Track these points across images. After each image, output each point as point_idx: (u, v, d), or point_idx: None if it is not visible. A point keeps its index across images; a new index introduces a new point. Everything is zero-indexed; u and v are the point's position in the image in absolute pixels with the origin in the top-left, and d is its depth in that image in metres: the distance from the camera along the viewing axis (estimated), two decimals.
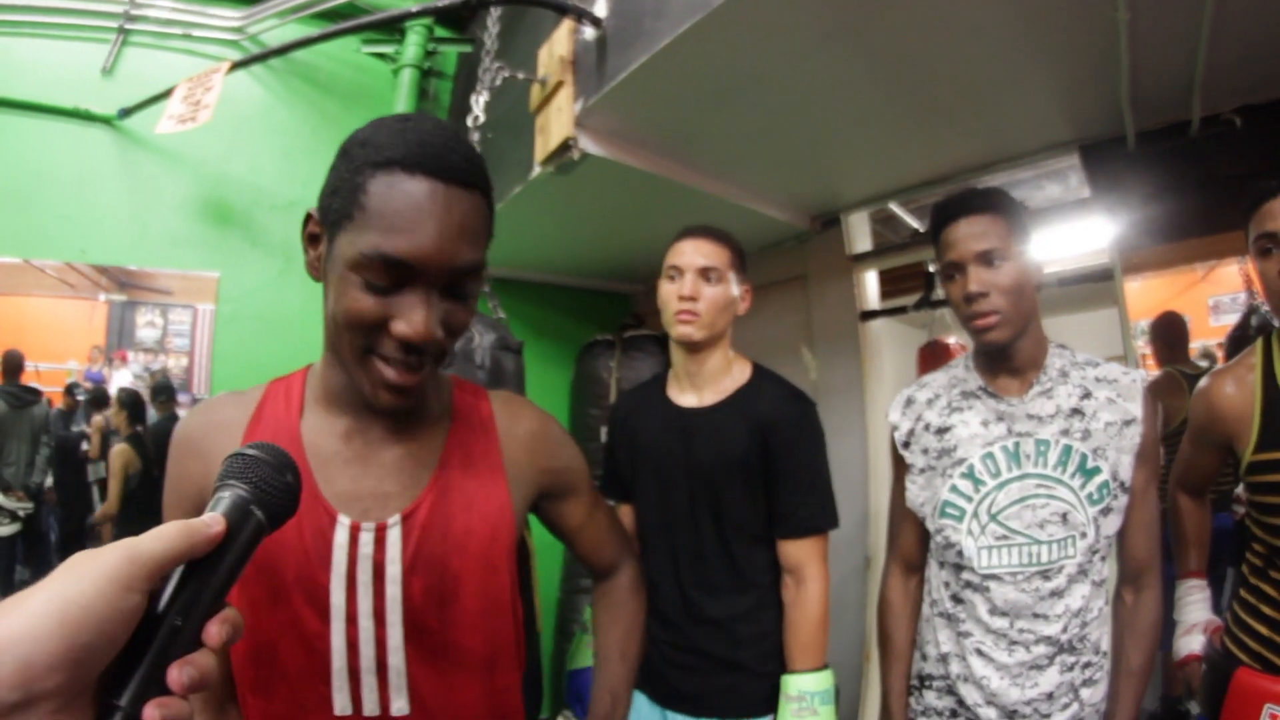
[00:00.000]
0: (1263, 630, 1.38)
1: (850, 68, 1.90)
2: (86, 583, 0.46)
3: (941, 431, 1.53)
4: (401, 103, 3.04)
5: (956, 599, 1.51)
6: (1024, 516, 1.42)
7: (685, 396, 1.77)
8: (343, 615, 0.94)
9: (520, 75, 2.07)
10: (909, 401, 1.63)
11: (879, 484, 3.03)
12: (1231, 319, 4.32)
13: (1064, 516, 1.40)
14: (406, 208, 0.82)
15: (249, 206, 2.87)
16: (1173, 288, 4.58)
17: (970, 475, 1.47)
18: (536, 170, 2.08)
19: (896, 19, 1.70)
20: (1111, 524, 1.41)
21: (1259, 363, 1.48)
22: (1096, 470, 1.40)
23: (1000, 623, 1.43)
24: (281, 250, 2.91)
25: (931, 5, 1.65)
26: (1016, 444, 1.44)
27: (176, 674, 0.49)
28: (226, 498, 0.56)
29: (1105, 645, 1.47)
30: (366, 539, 0.95)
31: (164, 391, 2.96)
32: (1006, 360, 1.47)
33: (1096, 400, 1.42)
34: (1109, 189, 2.55)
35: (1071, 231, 2.71)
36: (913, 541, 1.64)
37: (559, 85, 2.00)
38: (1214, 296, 4.95)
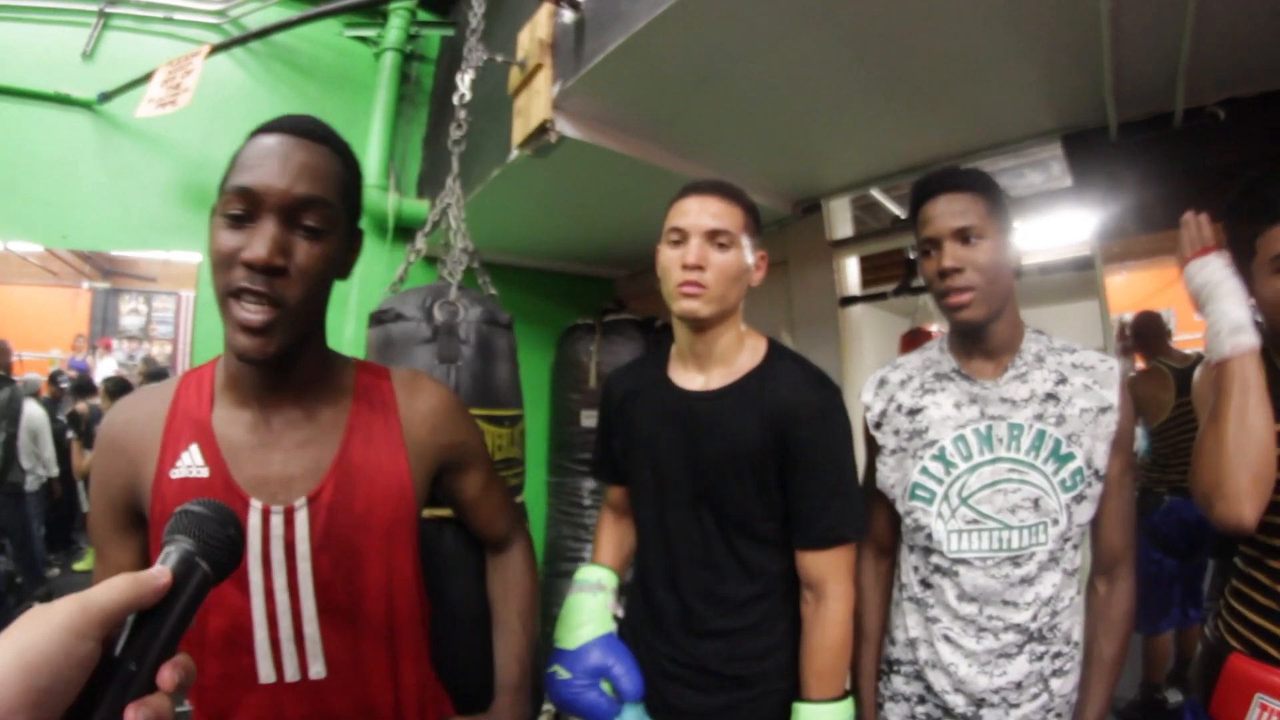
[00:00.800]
0: (1256, 619, 1.35)
1: (831, 52, 1.88)
2: (43, 629, 0.49)
3: (913, 413, 1.52)
4: (384, 86, 3.03)
5: (925, 584, 1.49)
6: (995, 501, 1.40)
7: (689, 378, 1.54)
8: (261, 590, 1.02)
9: (499, 58, 2.06)
10: (882, 382, 1.61)
11: (858, 470, 3.02)
12: None
13: (1036, 502, 1.38)
14: (255, 152, 0.98)
15: None
16: (1159, 280, 4.61)
17: (941, 457, 1.45)
18: (514, 153, 2.06)
19: (875, 3, 1.68)
20: (1084, 512, 1.40)
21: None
22: (1070, 456, 1.38)
23: (969, 609, 1.42)
24: None
25: None
26: (989, 427, 1.42)
27: (133, 715, 0.53)
28: (174, 552, 0.61)
29: (1077, 635, 1.46)
30: (277, 521, 1.03)
31: (159, 378, 2.92)
32: (981, 342, 1.45)
33: (1072, 386, 1.41)
34: (1091, 179, 2.55)
35: (1053, 221, 2.72)
36: (884, 524, 1.61)
37: (538, 68, 1.98)
38: None
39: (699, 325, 1.47)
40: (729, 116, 2.21)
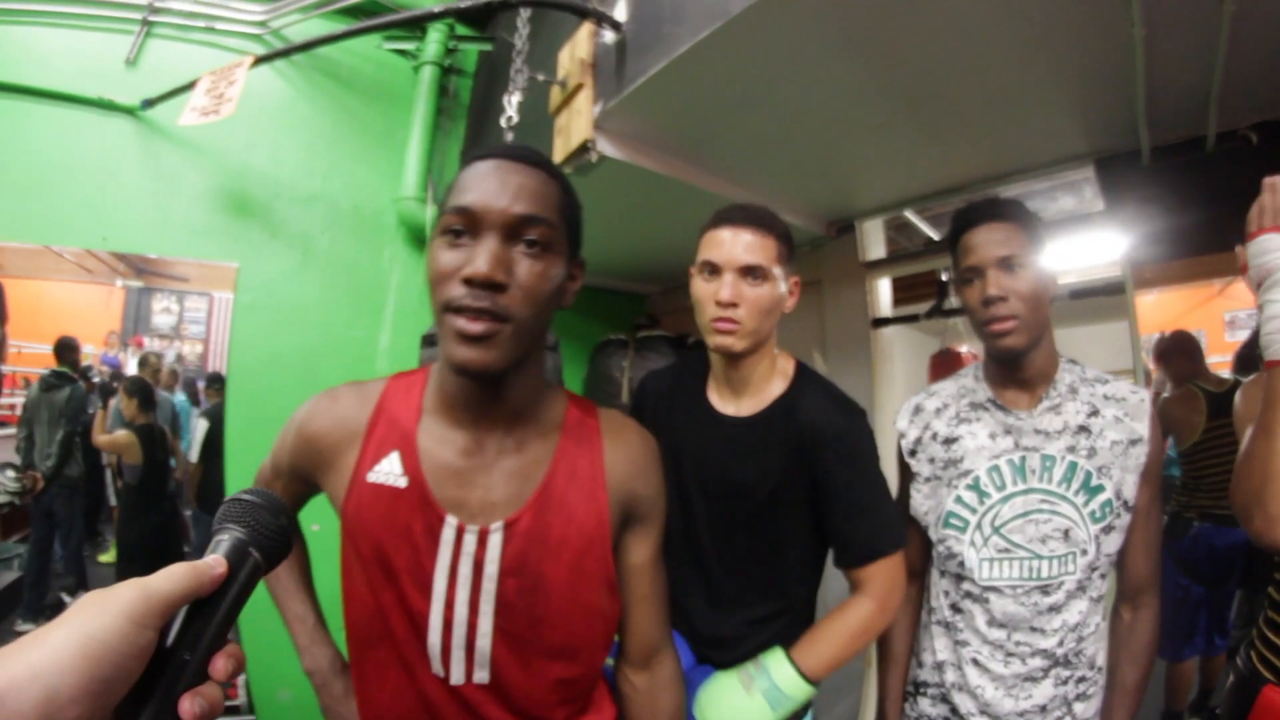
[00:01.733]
0: None
1: (866, 77, 1.91)
2: (105, 619, 0.50)
3: (949, 442, 1.54)
4: (422, 99, 3.08)
5: (955, 608, 1.52)
6: (1026, 531, 1.43)
7: (725, 402, 1.57)
8: (442, 599, 1.06)
9: (541, 77, 2.10)
10: (917, 410, 1.63)
11: (889, 485, 3.03)
12: (1248, 333, 4.32)
13: (1066, 533, 1.41)
14: (474, 174, 1.00)
15: (269, 199, 2.91)
16: (1189, 301, 4.61)
17: (975, 487, 1.48)
18: None
19: (912, 30, 1.70)
20: (1113, 542, 1.42)
21: None
22: (1100, 488, 1.40)
23: (997, 634, 1.45)
24: (300, 242, 2.94)
25: (946, 17, 1.66)
26: (1023, 458, 1.44)
27: (189, 705, 0.54)
28: (226, 540, 0.62)
29: (1101, 661, 1.48)
30: (470, 539, 1.06)
31: (217, 380, 2.98)
32: (1017, 372, 1.47)
33: (1104, 418, 1.43)
34: (1123, 202, 2.55)
35: (1085, 244, 2.72)
36: (914, 548, 1.63)
37: (579, 87, 2.02)
38: (1230, 312, 4.94)
39: (734, 357, 1.49)
40: (766, 139, 2.24)
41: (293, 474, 1.19)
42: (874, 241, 3.34)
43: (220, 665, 0.57)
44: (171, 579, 0.54)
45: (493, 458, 1.10)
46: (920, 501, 1.58)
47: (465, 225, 0.98)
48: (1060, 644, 1.42)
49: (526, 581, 1.08)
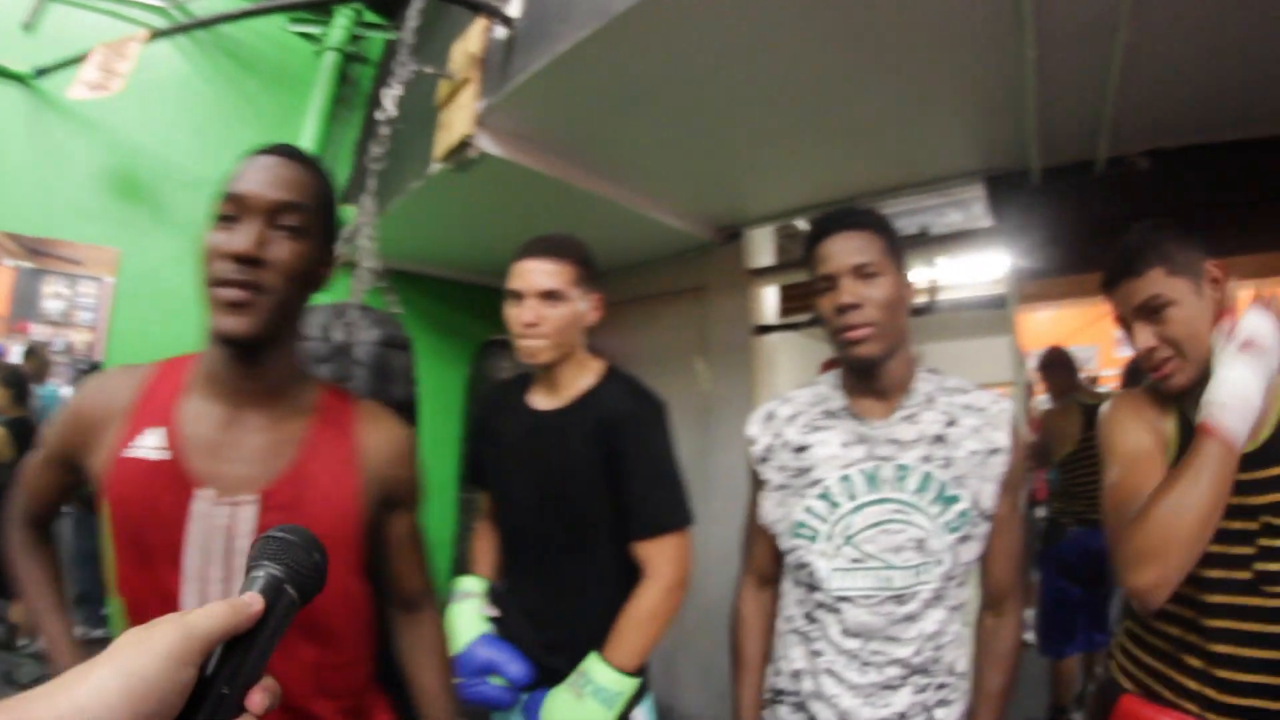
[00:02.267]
0: (1147, 659, 1.36)
1: (756, 84, 1.86)
2: (148, 658, 0.49)
3: (800, 450, 1.47)
4: (321, 85, 2.90)
5: (809, 617, 1.46)
6: (879, 541, 1.37)
7: (542, 400, 1.73)
8: (196, 576, 1.05)
9: (430, 70, 1.97)
10: (769, 416, 1.56)
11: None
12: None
13: (920, 543, 1.36)
14: (245, 167, 1.07)
15: (157, 181, 2.70)
16: (1083, 318, 4.71)
17: (826, 496, 1.41)
18: (434, 167, 1.98)
19: (803, 39, 1.66)
20: (970, 551, 1.38)
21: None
22: (955, 499, 1.36)
23: (852, 643, 1.39)
24: (187, 229, 2.73)
25: (838, 27, 1.62)
26: (876, 467, 1.39)
27: None
28: (261, 577, 0.61)
29: (961, 666, 1.44)
30: (221, 511, 1.05)
31: (95, 371, 2.78)
32: (873, 381, 1.42)
33: (961, 428, 1.39)
34: (1011, 220, 2.56)
35: (971, 259, 2.72)
36: (766, 556, 1.57)
37: (465, 82, 1.91)
38: (1119, 330, 5.06)
39: (542, 366, 1.66)
40: (655, 141, 2.17)
41: (61, 459, 1.17)
42: (761, 249, 3.32)
43: (257, 699, 0.57)
44: (211, 617, 0.54)
45: (248, 433, 1.11)
46: (770, 510, 1.51)
47: (235, 210, 1.03)
48: (917, 653, 1.37)
49: None
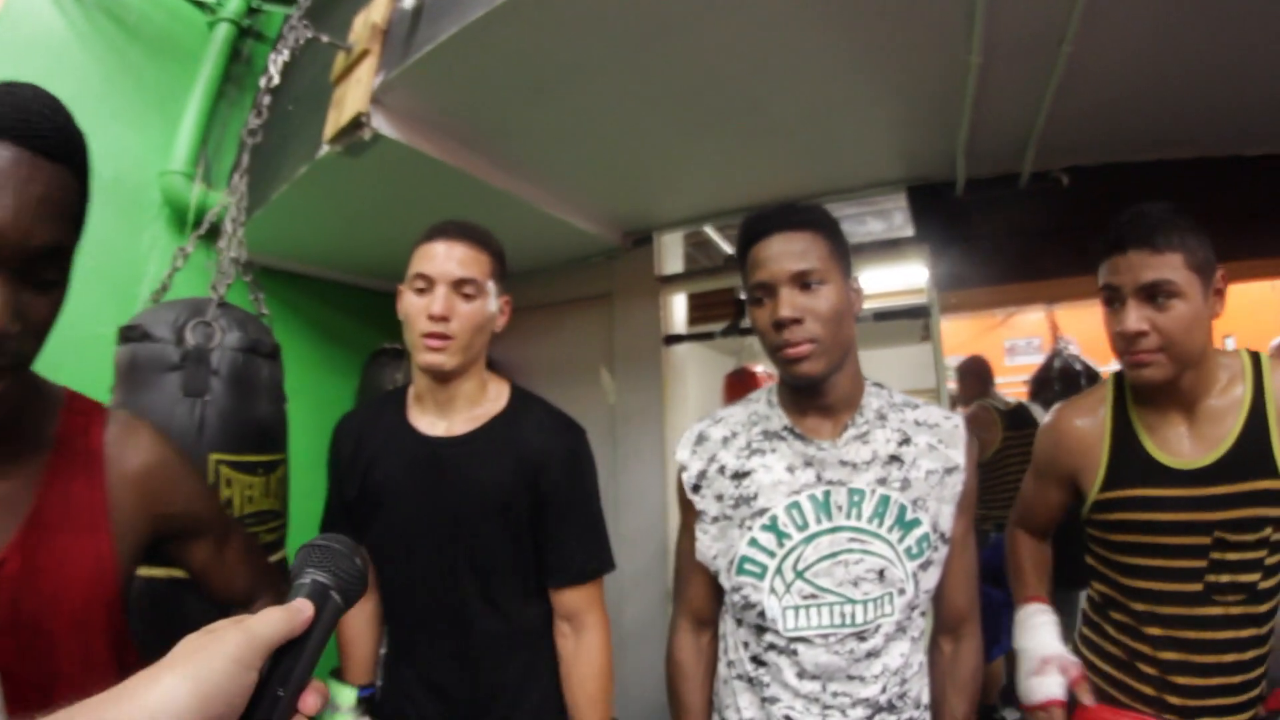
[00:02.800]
0: (1105, 667, 1.36)
1: (673, 75, 1.67)
2: (215, 662, 0.49)
3: (739, 476, 1.28)
4: (211, 59, 2.53)
5: (758, 661, 1.27)
6: (835, 574, 1.20)
7: (431, 423, 1.43)
8: None
9: (325, 39, 1.68)
10: (700, 439, 1.35)
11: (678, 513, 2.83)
12: (1025, 360, 4.57)
13: (881, 573, 1.20)
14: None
15: None
16: (975, 329, 4.79)
17: (773, 527, 1.23)
18: (324, 149, 1.68)
19: (720, 29, 1.49)
20: (931, 578, 1.24)
21: (1109, 397, 1.40)
22: (916, 522, 1.21)
23: (811, 686, 1.22)
24: None
25: (767, 17, 1.45)
26: (827, 493, 1.22)
27: None
28: (308, 584, 0.61)
29: (925, 697, 1.30)
30: None
31: None
32: (818, 397, 1.24)
33: (916, 446, 1.24)
34: (933, 230, 2.48)
35: (892, 269, 2.63)
36: (704, 595, 1.38)
37: (364, 54, 1.65)
38: (1010, 339, 5.26)
39: (443, 376, 1.38)
40: (561, 134, 1.95)
41: None
42: (671, 255, 3.14)
43: (310, 701, 0.57)
44: (270, 623, 0.54)
45: None
46: (707, 544, 1.32)
47: None
48: (883, 690, 1.22)
49: (24, 640, 0.86)
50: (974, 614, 1.34)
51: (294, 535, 1.49)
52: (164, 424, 1.30)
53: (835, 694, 1.21)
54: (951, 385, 3.46)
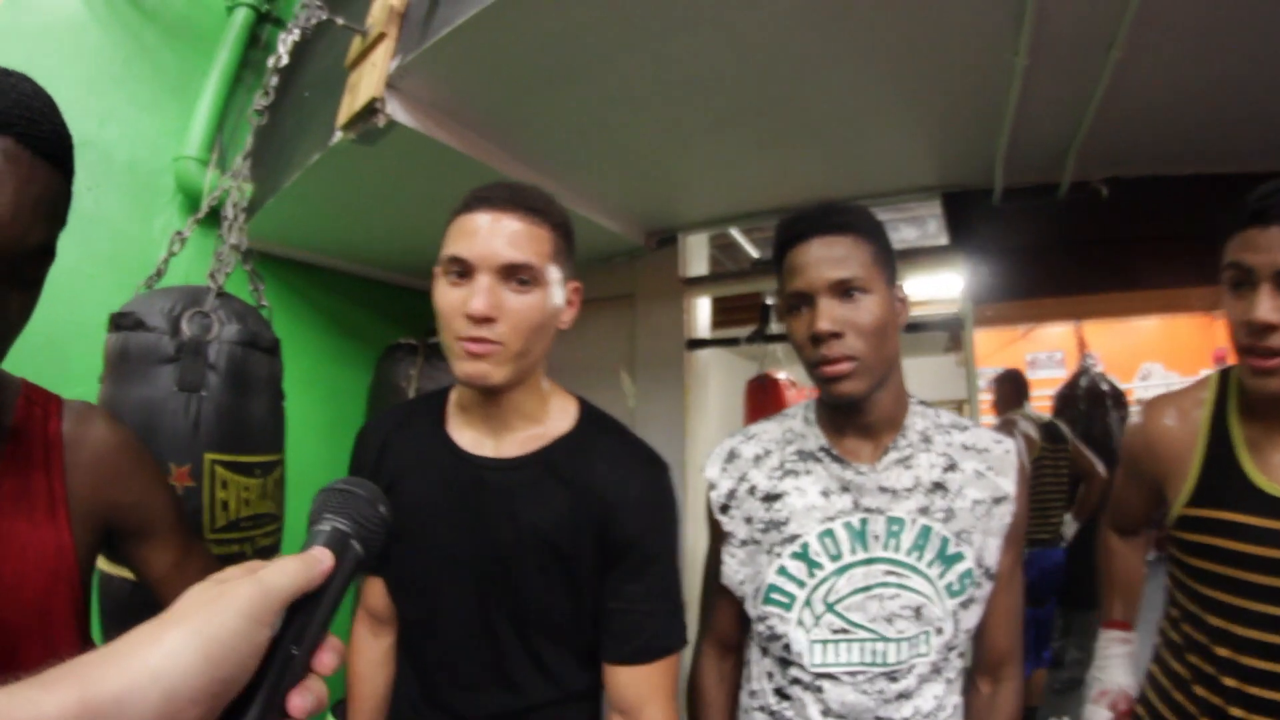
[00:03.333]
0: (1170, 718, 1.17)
1: (702, 65, 1.55)
2: (225, 617, 0.46)
3: (770, 499, 1.17)
4: (228, 44, 2.45)
5: (782, 694, 1.17)
6: (868, 609, 1.09)
7: (477, 441, 1.12)
8: None
9: (340, 20, 1.58)
10: (731, 456, 1.25)
11: (699, 526, 2.70)
12: (1046, 374, 4.48)
13: (918, 610, 1.09)
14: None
15: None
16: (996, 341, 4.67)
17: (804, 556, 1.12)
18: (337, 136, 1.58)
19: (757, 18, 1.37)
20: (972, 616, 1.12)
21: (1210, 399, 1.19)
22: (959, 557, 1.09)
23: None
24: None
25: (800, 6, 1.34)
26: (864, 521, 1.11)
27: (299, 701, 0.50)
28: (327, 531, 0.57)
29: None
30: None
31: None
32: (857, 417, 1.12)
33: (963, 473, 1.12)
34: (968, 239, 2.36)
35: (926, 278, 2.51)
36: (729, 620, 1.27)
37: (380, 37, 1.55)
38: (1031, 353, 5.15)
39: (490, 391, 1.05)
40: (583, 126, 1.83)
41: None
42: (696, 257, 3.01)
43: (326, 660, 0.52)
44: (285, 574, 0.50)
45: None
46: (734, 569, 1.21)
47: None
48: None
49: None
50: (1016, 655, 1.22)
51: (291, 539, 1.39)
52: (156, 419, 1.23)
53: None
54: (984, 397, 3.36)
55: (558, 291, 1.05)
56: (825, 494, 1.13)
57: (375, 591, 1.21)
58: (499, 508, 1.07)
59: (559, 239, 1.06)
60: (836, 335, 1.03)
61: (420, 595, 1.13)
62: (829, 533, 1.11)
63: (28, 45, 2.18)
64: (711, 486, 1.24)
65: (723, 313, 3.18)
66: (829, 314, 1.04)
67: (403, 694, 1.19)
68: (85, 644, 0.93)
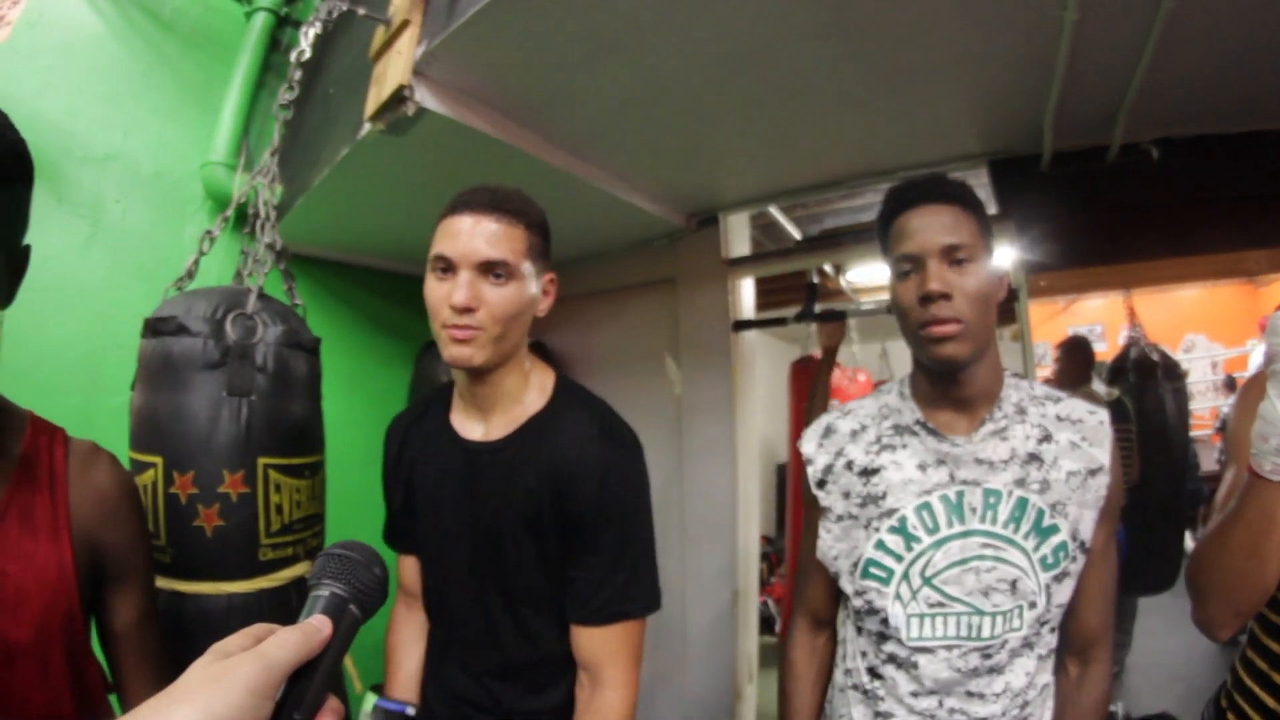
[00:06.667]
0: (1269, 701, 1.05)
1: (738, 39, 1.48)
2: (230, 695, 0.47)
3: (868, 473, 1.19)
4: (249, 50, 2.42)
5: (874, 673, 1.19)
6: (965, 581, 1.11)
7: (471, 427, 1.26)
8: None
9: (361, 11, 1.53)
10: (828, 431, 1.26)
11: (748, 511, 2.64)
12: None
13: (1014, 584, 1.10)
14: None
15: (58, 156, 2.18)
16: (1034, 316, 4.49)
17: (902, 530, 1.14)
18: (366, 128, 1.52)
19: None
20: (1065, 591, 1.12)
21: None
22: (1054, 529, 1.10)
23: (927, 703, 1.13)
24: (90, 210, 2.20)
25: None
26: (960, 494, 1.12)
27: None
28: (325, 597, 0.58)
29: None
30: None
31: None
32: (955, 389, 1.14)
33: (1058, 444, 1.12)
34: (1017, 208, 2.24)
35: None
36: (822, 594, 1.31)
37: (404, 25, 1.50)
38: (1073, 326, 4.99)
39: (475, 372, 1.18)
40: (618, 106, 1.76)
41: None
42: (738, 237, 2.91)
43: None
44: (287, 647, 0.51)
45: None
46: (830, 544, 1.22)
47: None
48: (1003, 712, 1.12)
49: None
50: (1106, 635, 1.21)
51: (332, 539, 1.38)
52: (205, 427, 1.22)
53: (952, 710, 1.12)
54: (1043, 372, 3.22)
55: (533, 283, 1.17)
56: (922, 467, 1.15)
57: (408, 570, 1.37)
58: (486, 487, 1.20)
59: (533, 237, 1.18)
60: (946, 296, 1.05)
61: (433, 567, 1.31)
62: (926, 506, 1.13)
63: (48, 64, 2.17)
64: (808, 462, 1.26)
65: (763, 295, 3.07)
66: (939, 276, 1.06)
67: (429, 650, 1.36)
68: (82, 666, 0.98)
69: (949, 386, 1.13)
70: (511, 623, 1.21)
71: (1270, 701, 1.04)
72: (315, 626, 0.55)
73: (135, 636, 1.05)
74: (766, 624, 3.79)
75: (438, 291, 1.12)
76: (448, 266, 1.12)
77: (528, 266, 1.15)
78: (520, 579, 1.20)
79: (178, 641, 1.19)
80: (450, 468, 1.24)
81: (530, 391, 1.24)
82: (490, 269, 1.11)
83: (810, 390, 2.84)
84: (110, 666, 1.06)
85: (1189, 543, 3.35)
